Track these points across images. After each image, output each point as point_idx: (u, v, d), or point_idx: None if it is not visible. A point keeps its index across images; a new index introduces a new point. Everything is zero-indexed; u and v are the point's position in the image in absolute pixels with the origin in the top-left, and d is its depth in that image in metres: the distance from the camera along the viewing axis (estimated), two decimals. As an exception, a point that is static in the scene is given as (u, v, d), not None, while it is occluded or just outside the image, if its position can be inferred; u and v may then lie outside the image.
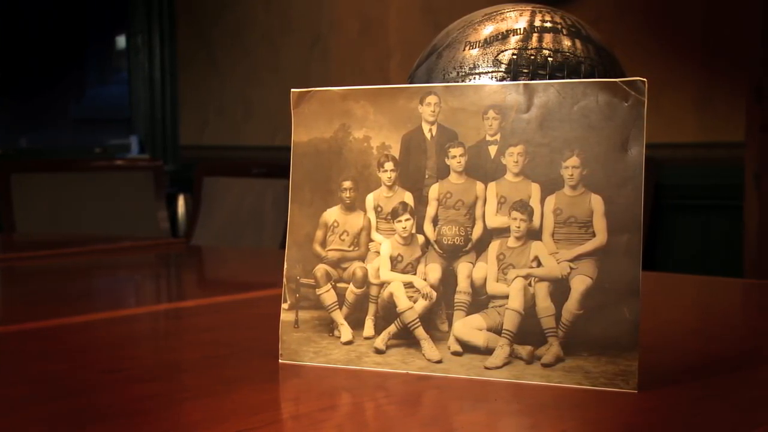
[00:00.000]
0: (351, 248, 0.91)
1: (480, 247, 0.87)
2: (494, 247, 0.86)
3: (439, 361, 0.86)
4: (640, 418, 0.76)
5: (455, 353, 0.85)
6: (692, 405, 0.79)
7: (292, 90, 0.93)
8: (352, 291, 0.90)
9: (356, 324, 0.89)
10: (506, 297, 0.85)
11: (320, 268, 0.91)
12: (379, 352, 0.88)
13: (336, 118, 0.92)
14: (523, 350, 0.83)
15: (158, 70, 5.06)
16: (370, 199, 0.90)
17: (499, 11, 0.98)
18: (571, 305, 0.83)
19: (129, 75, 5.19)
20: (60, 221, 3.42)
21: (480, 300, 0.86)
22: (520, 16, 0.96)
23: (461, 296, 0.86)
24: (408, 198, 0.89)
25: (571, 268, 0.83)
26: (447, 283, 0.87)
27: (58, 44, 5.14)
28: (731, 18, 3.24)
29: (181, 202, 4.51)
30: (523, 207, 0.85)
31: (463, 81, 0.94)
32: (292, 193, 0.93)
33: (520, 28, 0.95)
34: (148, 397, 0.81)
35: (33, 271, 1.82)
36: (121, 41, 5.25)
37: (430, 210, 0.88)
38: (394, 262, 0.89)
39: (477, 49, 0.95)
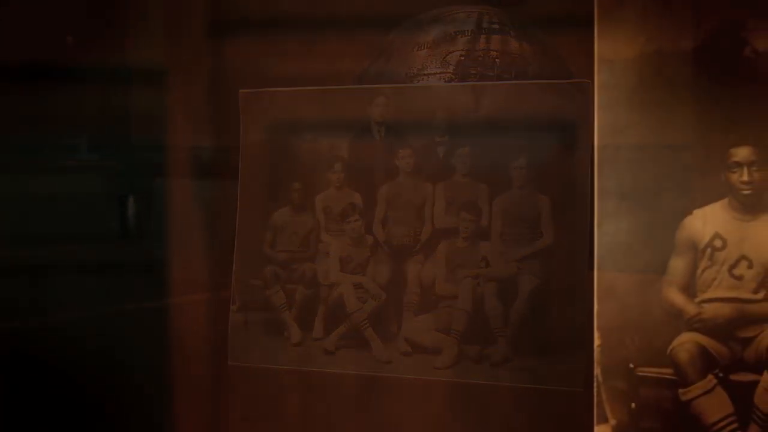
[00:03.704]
0: (300, 249, 0.90)
1: (429, 248, 0.87)
2: (443, 247, 0.86)
3: (389, 362, 0.86)
4: (586, 416, 0.77)
5: (405, 353, 0.86)
6: (638, 402, 0.80)
7: (241, 90, 0.93)
8: (301, 292, 0.90)
9: (306, 325, 0.89)
10: (455, 297, 0.85)
11: (269, 269, 0.91)
12: (328, 353, 0.88)
13: (285, 118, 0.91)
14: (472, 350, 0.84)
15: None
16: (320, 200, 0.90)
17: (447, 12, 0.98)
18: (519, 305, 0.83)
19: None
20: (3, 222, 3.37)
21: (429, 300, 0.86)
22: (468, 17, 0.97)
23: (411, 297, 0.86)
24: (357, 199, 0.89)
25: (519, 268, 0.84)
26: (396, 283, 0.87)
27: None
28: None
29: (131, 203, 4.47)
30: (472, 207, 0.86)
31: (411, 82, 0.95)
32: (240, 195, 0.92)
33: (468, 30, 0.95)
34: (93, 399, 0.80)
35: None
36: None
37: (380, 211, 0.89)
38: (344, 263, 0.89)
39: (425, 50, 0.95)
